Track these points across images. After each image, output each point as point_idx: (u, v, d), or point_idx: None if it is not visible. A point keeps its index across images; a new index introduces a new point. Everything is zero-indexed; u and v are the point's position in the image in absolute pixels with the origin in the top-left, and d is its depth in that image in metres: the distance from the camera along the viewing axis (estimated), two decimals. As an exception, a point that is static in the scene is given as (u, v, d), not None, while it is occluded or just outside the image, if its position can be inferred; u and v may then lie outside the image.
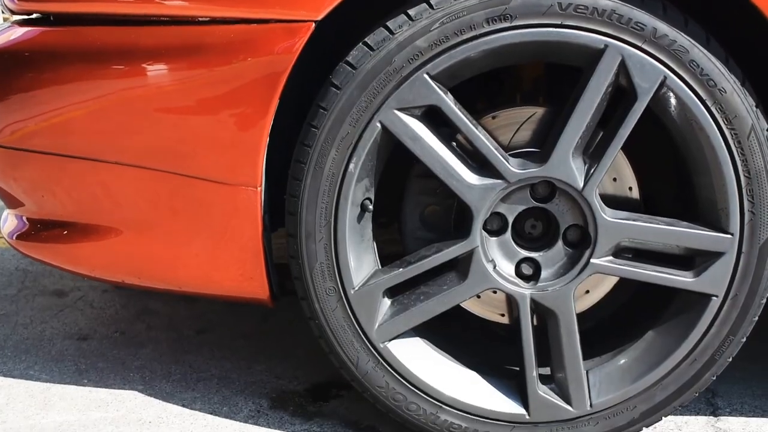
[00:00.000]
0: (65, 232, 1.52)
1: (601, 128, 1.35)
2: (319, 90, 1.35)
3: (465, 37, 1.28)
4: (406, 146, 1.32)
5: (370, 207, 1.37)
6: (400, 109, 1.31)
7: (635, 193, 1.45)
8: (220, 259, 1.42)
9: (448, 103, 1.30)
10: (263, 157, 1.33)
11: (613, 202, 1.41)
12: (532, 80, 1.49)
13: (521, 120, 1.41)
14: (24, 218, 1.59)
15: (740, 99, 1.29)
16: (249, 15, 1.29)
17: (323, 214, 1.35)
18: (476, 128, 1.32)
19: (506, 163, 1.33)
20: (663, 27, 1.26)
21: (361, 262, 1.39)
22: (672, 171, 1.48)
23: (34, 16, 1.46)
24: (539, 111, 1.41)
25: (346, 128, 1.32)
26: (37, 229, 1.56)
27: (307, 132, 1.34)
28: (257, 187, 1.35)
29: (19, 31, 1.44)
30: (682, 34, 1.27)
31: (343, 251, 1.37)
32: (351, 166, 1.33)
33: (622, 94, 1.31)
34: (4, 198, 1.60)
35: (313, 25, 1.27)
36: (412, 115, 1.32)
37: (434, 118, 1.33)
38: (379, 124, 1.31)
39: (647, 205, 1.47)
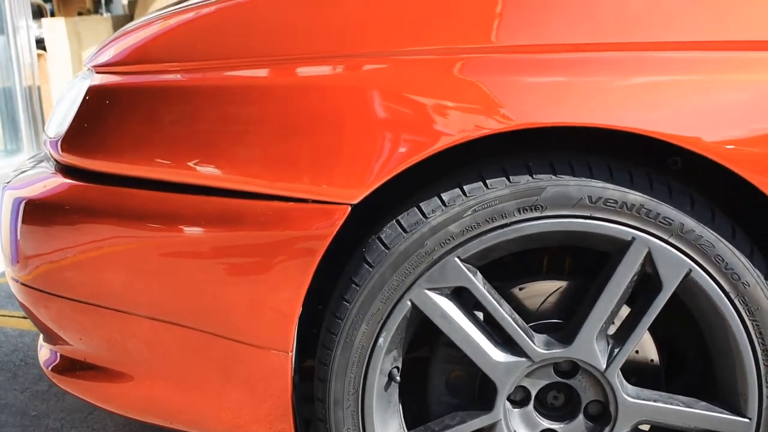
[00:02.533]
0: (98, 373, 1.56)
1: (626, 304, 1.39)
2: (349, 260, 1.40)
3: (496, 224, 1.31)
4: (435, 323, 1.36)
5: (398, 377, 1.41)
6: (430, 289, 1.35)
7: (656, 363, 1.48)
8: (250, 413, 1.46)
9: (477, 285, 1.34)
10: (295, 324, 1.37)
11: (634, 370, 1.45)
12: (559, 253, 1.53)
13: (547, 292, 1.45)
14: (58, 353, 1.63)
15: (763, 292, 1.32)
16: (288, 194, 1.33)
17: (352, 383, 1.39)
18: (503, 308, 1.36)
19: (531, 343, 1.36)
20: (690, 222, 1.30)
21: (386, 428, 1.43)
22: (694, 346, 1.51)
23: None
24: (565, 284, 1.45)
25: (377, 304, 1.35)
26: (71, 366, 1.60)
27: (338, 304, 1.38)
28: (288, 353, 1.39)
29: (60, 182, 1.49)
30: (709, 229, 1.30)
31: (370, 419, 1.40)
32: (381, 339, 1.37)
33: (647, 279, 1.35)
34: (41, 331, 1.65)
35: (349, 208, 1.31)
36: (441, 294, 1.35)
37: (463, 293, 1.37)
38: (409, 302, 1.35)
39: (668, 372, 1.50)
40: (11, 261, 1.58)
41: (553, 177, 1.30)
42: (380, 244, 1.35)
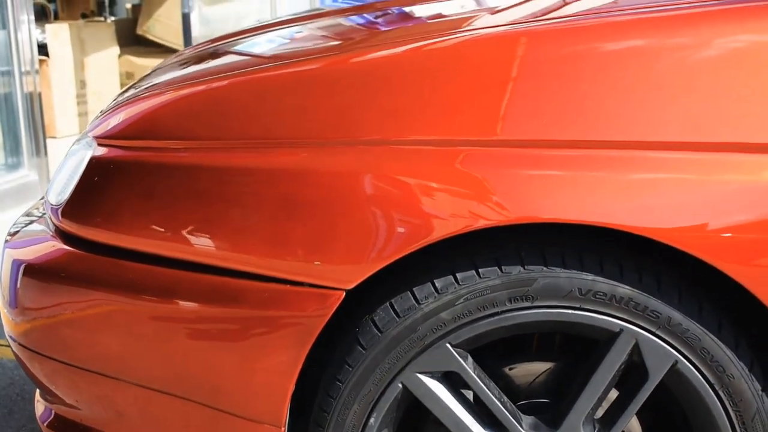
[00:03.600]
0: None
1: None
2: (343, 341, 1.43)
3: (487, 312, 1.34)
4: (425, 404, 1.39)
5: None
6: (421, 372, 1.37)
7: (641, 441, 1.51)
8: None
9: (468, 370, 1.37)
10: (288, 401, 1.40)
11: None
12: (549, 335, 1.55)
13: (537, 372, 1.48)
14: (53, 411, 1.66)
15: (747, 384, 1.35)
16: (284, 276, 1.36)
17: (343, 461, 1.42)
18: (492, 392, 1.39)
19: (519, 427, 1.39)
20: (677, 316, 1.33)
21: (376, 503, 1.46)
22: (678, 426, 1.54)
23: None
24: (554, 365, 1.47)
25: (369, 386, 1.38)
26: (66, 425, 1.63)
27: (331, 384, 1.41)
28: (281, 427, 1.42)
29: (59, 247, 1.52)
30: (695, 323, 1.33)
31: (361, 495, 1.43)
32: (372, 419, 1.40)
33: (634, 366, 1.37)
34: (38, 387, 1.68)
35: (344, 294, 1.34)
36: (432, 377, 1.38)
37: (453, 376, 1.40)
38: (400, 385, 1.38)
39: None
40: (8, 318, 1.61)
41: (545, 269, 1.33)
42: (373, 327, 1.37)
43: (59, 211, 1.52)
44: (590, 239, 1.34)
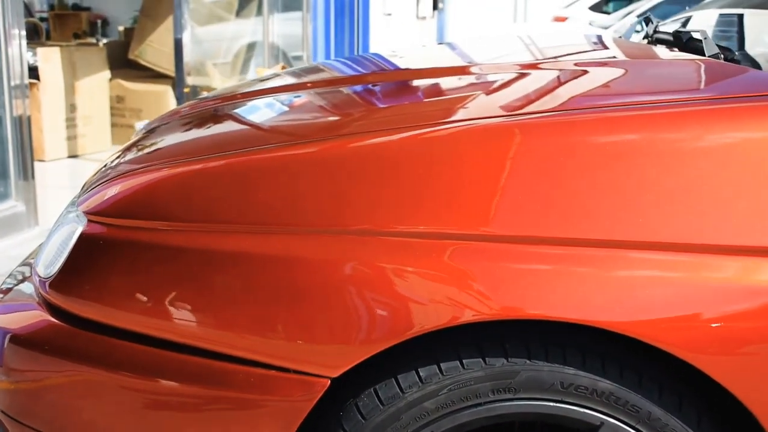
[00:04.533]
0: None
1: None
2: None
3: (470, 403, 1.35)
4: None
5: None
6: (404, 461, 1.39)
7: None
8: None
9: (449, 458, 1.38)
10: None
11: None
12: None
13: (517, 458, 1.49)
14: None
15: (726, 481, 1.37)
16: (270, 361, 1.37)
17: None
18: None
19: None
20: (657, 411, 1.34)
21: None
22: None
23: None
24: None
25: (351, 471, 1.39)
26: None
27: (314, 468, 1.42)
28: None
29: (45, 319, 1.53)
30: (675, 418, 1.35)
31: None
32: (353, 504, 1.41)
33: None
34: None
35: (329, 381, 1.35)
36: (413, 463, 1.39)
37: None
38: (383, 472, 1.39)
39: None
40: None
41: (528, 362, 1.34)
42: (357, 413, 1.38)
43: (47, 284, 1.53)
44: (573, 333, 1.36)
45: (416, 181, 1.36)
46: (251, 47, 8.10)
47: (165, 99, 6.63)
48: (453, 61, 2.40)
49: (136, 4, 8.08)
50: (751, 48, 2.56)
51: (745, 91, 1.44)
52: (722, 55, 1.68)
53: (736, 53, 1.72)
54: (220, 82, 7.03)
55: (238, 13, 7.82)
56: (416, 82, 1.91)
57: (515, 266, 1.31)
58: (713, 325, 1.29)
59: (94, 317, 1.47)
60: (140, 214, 1.47)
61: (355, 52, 8.98)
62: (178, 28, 6.13)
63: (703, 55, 1.76)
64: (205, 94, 2.52)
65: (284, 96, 2.03)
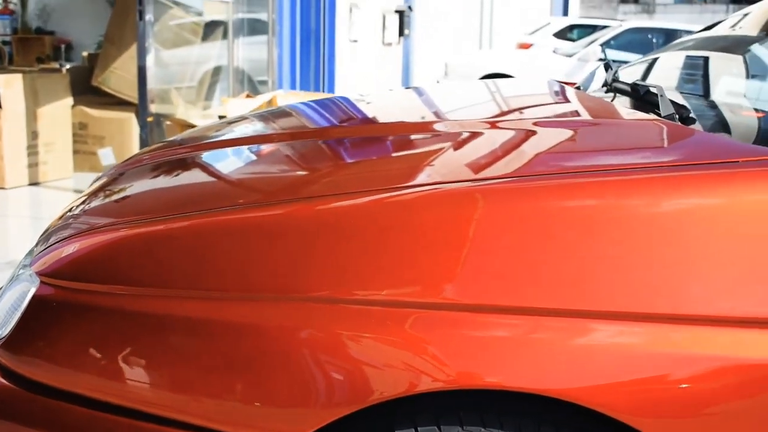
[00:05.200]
0: None
1: None
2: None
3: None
4: None
5: None
6: None
7: None
8: None
9: None
10: None
11: None
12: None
13: None
14: None
15: None
16: (224, 429, 1.36)
17: None
18: None
19: None
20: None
21: None
22: None
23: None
24: None
25: None
26: None
27: None
28: None
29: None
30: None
31: None
32: None
33: None
34: None
35: None
36: None
37: None
38: None
39: None
40: None
41: (483, 430, 1.34)
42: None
43: (-1, 345, 1.51)
44: (529, 402, 1.36)
45: (374, 247, 1.36)
46: (217, 72, 8.07)
47: (128, 126, 6.58)
48: (417, 112, 2.40)
49: (101, 29, 8.04)
50: (715, 93, 2.61)
51: (688, 158, 1.45)
52: (676, 115, 1.70)
53: (691, 112, 1.74)
54: (184, 109, 7.00)
55: (204, 37, 7.80)
56: (378, 140, 1.91)
57: (473, 335, 1.31)
58: (672, 393, 1.30)
59: (46, 381, 1.45)
60: (94, 277, 1.46)
61: (321, 78, 8.97)
62: (142, 55, 6.10)
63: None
64: (169, 139, 2.49)
65: (246, 150, 2.02)
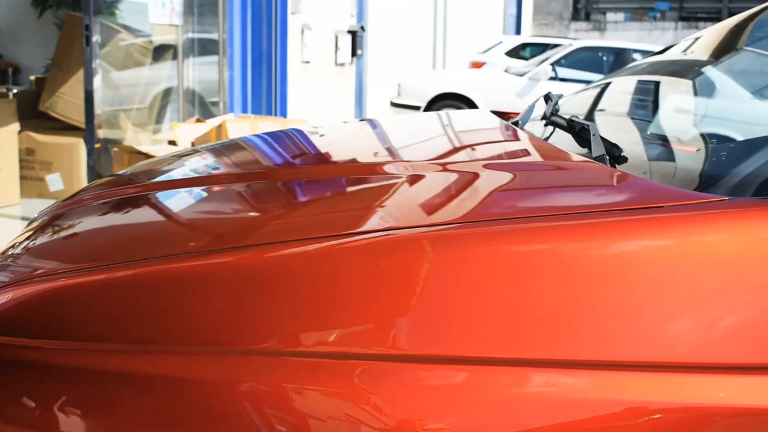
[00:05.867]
0: None
1: None
2: None
3: None
4: None
5: None
6: None
7: None
8: None
9: None
10: None
11: None
12: None
13: None
14: None
15: None
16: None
17: None
18: None
19: None
20: None
21: None
22: None
23: None
24: None
25: None
26: None
27: None
28: None
29: None
30: None
31: None
32: None
33: None
34: None
35: None
36: None
37: None
38: None
39: None
40: None
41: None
42: None
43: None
44: None
45: (318, 297, 1.33)
46: (167, 93, 8.01)
47: (77, 152, 6.49)
48: (370, 147, 2.38)
49: (49, 53, 7.94)
50: (664, 119, 2.62)
51: (614, 203, 1.44)
52: (607, 156, 1.69)
53: (623, 151, 1.74)
54: (133, 134, 6.93)
55: (154, 59, 7.74)
56: (326, 183, 1.88)
57: (415, 384, 1.29)
58: None
59: None
60: (25, 331, 1.41)
61: (273, 100, 8.94)
62: (89, 80, 6.03)
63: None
64: (115, 173, 2.44)
65: (191, 192, 1.96)
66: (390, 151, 2.31)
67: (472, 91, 10.74)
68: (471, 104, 10.71)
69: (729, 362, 1.27)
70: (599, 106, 2.63)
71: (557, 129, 2.15)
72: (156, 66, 7.79)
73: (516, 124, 2.32)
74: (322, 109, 10.05)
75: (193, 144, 5.78)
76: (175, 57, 8.01)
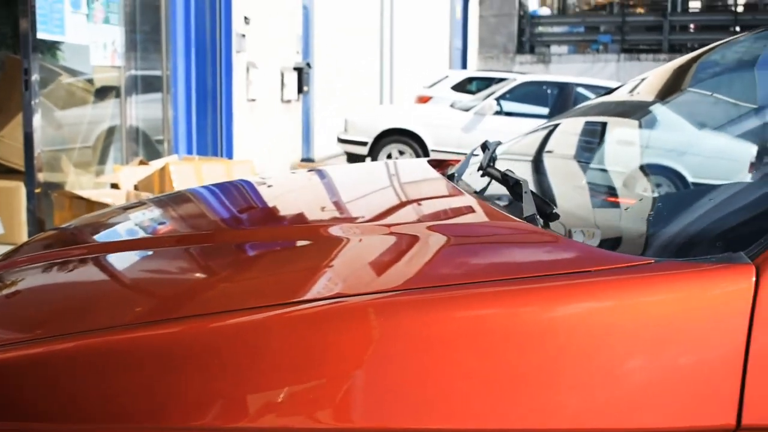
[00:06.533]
0: None
1: None
2: None
3: None
4: None
5: None
6: None
7: None
8: None
9: None
10: None
11: None
12: None
13: None
14: None
15: None
16: None
17: None
18: None
19: None
20: None
21: None
22: None
23: None
24: None
25: None
26: None
27: None
28: None
29: None
30: None
31: None
32: None
33: None
34: None
35: None
36: None
37: None
38: None
39: None
40: None
41: None
42: None
43: None
44: None
45: (252, 372, 1.29)
46: (110, 133, 7.91)
47: (18, 196, 6.36)
48: (317, 202, 2.34)
49: (-12, 94, 7.80)
50: (609, 160, 2.64)
51: (541, 268, 1.43)
52: (537, 216, 1.69)
53: (555, 208, 1.75)
54: (75, 176, 6.83)
55: (97, 98, 7.65)
56: (269, 247, 1.84)
57: None
58: None
59: None
60: None
61: (219, 139, 8.88)
62: (28, 123, 5.93)
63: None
64: (56, 227, 2.38)
65: (126, 256, 1.90)
66: (338, 204, 2.29)
67: (418, 126, 10.78)
68: (417, 140, 10.75)
69: (662, 426, 1.27)
70: (547, 148, 2.64)
71: (491, 182, 2.15)
72: (99, 105, 7.70)
73: (452, 176, 2.31)
74: (270, 146, 10.02)
75: (136, 187, 5.71)
76: (118, 96, 7.94)
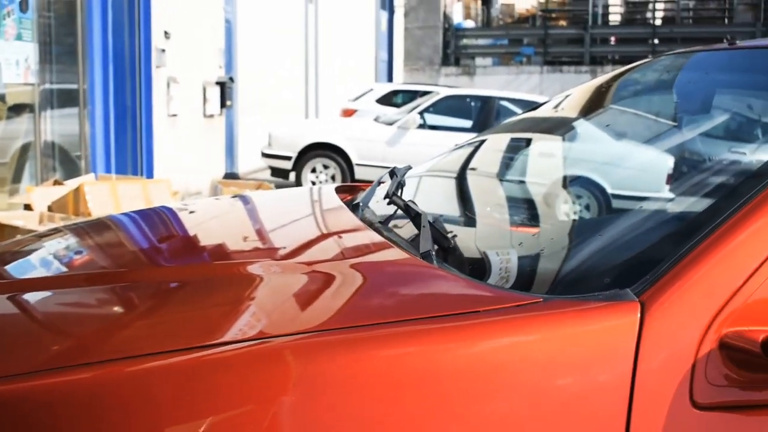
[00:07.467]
0: None
1: None
2: None
3: None
4: None
5: None
6: None
7: None
8: None
9: None
10: None
11: None
12: None
13: None
14: None
15: None
16: None
17: None
18: None
19: None
20: None
21: None
22: None
23: None
24: None
25: None
26: None
27: None
28: None
29: None
30: None
31: None
32: None
33: None
34: None
35: None
36: None
37: None
38: None
39: None
40: None
41: None
42: None
43: None
44: None
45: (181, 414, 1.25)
46: (25, 150, 7.69)
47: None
48: (239, 231, 2.27)
49: None
50: (531, 177, 2.63)
51: (431, 308, 1.41)
52: (433, 254, 1.65)
53: (452, 243, 1.72)
54: (-14, 198, 6.61)
55: (10, 114, 7.44)
56: (182, 285, 1.75)
57: None
58: None
59: None
60: None
61: (139, 155, 8.71)
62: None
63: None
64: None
65: (35, 296, 1.76)
66: (260, 232, 2.24)
67: (342, 141, 10.73)
68: (342, 154, 10.70)
69: None
70: (471, 165, 2.63)
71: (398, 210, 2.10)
72: (11, 122, 7.48)
73: (357, 205, 2.25)
74: (192, 162, 9.85)
75: (50, 208, 5.55)
76: (32, 112, 7.72)
